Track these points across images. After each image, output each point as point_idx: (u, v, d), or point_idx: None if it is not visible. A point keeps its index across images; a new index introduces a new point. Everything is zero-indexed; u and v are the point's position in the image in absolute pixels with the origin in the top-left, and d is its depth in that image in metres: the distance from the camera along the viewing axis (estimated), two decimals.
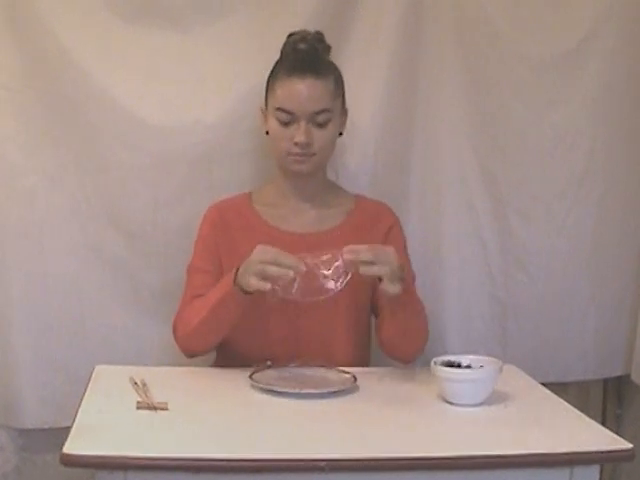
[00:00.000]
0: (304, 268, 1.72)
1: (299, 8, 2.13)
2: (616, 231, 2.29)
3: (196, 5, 2.13)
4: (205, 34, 2.14)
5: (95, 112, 2.10)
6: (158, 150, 2.13)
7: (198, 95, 2.14)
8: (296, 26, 2.03)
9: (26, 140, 2.09)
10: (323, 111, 1.93)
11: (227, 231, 2.00)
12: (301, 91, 1.91)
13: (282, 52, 2.00)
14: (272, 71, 1.98)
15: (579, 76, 2.21)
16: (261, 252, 1.77)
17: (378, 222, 2.04)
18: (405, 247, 2.06)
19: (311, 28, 2.01)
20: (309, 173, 1.98)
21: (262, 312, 1.86)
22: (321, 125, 1.93)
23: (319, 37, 1.99)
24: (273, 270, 1.72)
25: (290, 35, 2.00)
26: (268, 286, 1.73)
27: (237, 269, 1.80)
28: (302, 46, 1.97)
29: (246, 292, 1.79)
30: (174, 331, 1.97)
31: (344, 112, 2.01)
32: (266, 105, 1.99)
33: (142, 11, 2.11)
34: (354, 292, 1.89)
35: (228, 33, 2.15)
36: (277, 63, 1.99)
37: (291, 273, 1.71)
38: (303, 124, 1.91)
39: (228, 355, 1.97)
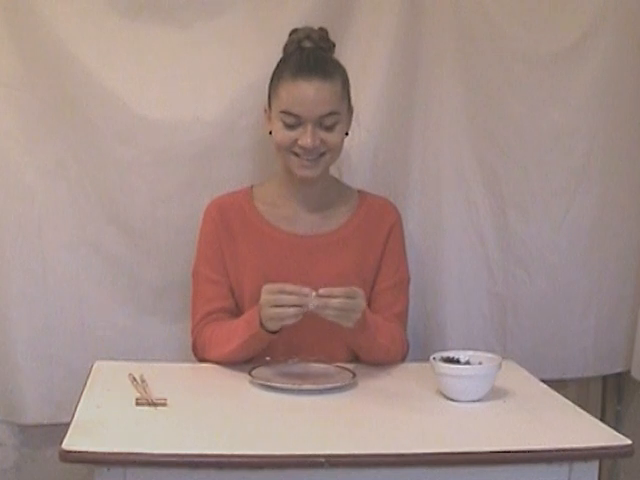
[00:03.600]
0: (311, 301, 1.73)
1: (299, 3, 2.12)
2: (615, 227, 2.28)
3: (195, 1, 2.12)
4: (205, 30, 2.13)
5: (94, 108, 2.09)
6: (158, 147, 2.12)
7: (198, 91, 2.13)
8: (296, 21, 2.03)
9: (25, 137, 2.09)
10: (331, 114, 1.90)
11: (229, 231, 1.99)
12: (308, 94, 1.88)
13: (285, 51, 1.97)
14: (275, 71, 1.96)
15: (578, 73, 2.21)
16: (265, 297, 1.76)
17: (381, 220, 2.03)
18: (403, 246, 2.06)
19: (311, 23, 1.99)
20: (315, 178, 1.96)
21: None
22: (328, 128, 1.90)
23: (324, 35, 1.97)
24: (290, 312, 1.73)
25: (293, 32, 1.98)
26: (297, 318, 1.75)
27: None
28: (307, 45, 1.94)
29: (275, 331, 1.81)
30: (194, 350, 1.98)
31: (350, 111, 2.00)
32: (269, 105, 1.97)
33: (141, 7, 2.10)
34: None
35: (228, 29, 2.14)
36: (280, 63, 1.96)
37: (305, 307, 1.73)
38: (310, 127, 1.89)
39: None
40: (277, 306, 1.74)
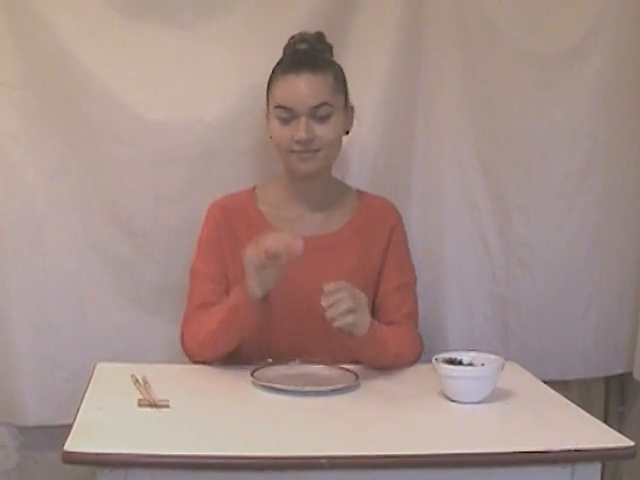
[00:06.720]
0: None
1: (299, 4, 2.13)
2: (617, 228, 2.28)
3: (196, 2, 2.13)
4: (205, 31, 2.13)
5: (95, 109, 2.09)
6: (158, 147, 2.12)
7: (199, 92, 2.13)
8: (297, 23, 2.04)
9: (26, 136, 2.09)
10: (322, 104, 1.91)
11: (231, 232, 1.99)
12: (298, 86, 1.90)
13: (283, 54, 1.99)
14: (271, 74, 1.97)
15: (580, 73, 2.21)
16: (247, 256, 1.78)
17: (382, 221, 2.03)
18: (406, 246, 2.06)
19: (312, 24, 2.01)
20: (315, 173, 1.96)
21: (265, 310, 1.86)
22: (322, 119, 1.91)
23: (319, 37, 1.99)
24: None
25: (291, 38, 1.99)
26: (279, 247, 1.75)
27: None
28: (302, 46, 1.96)
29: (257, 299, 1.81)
30: (182, 341, 1.98)
31: (348, 109, 2.00)
32: (267, 108, 1.98)
33: (142, 7, 2.11)
34: None
35: (229, 30, 2.14)
36: (276, 65, 1.97)
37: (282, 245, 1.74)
38: (303, 120, 1.90)
39: (230, 353, 1.97)
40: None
